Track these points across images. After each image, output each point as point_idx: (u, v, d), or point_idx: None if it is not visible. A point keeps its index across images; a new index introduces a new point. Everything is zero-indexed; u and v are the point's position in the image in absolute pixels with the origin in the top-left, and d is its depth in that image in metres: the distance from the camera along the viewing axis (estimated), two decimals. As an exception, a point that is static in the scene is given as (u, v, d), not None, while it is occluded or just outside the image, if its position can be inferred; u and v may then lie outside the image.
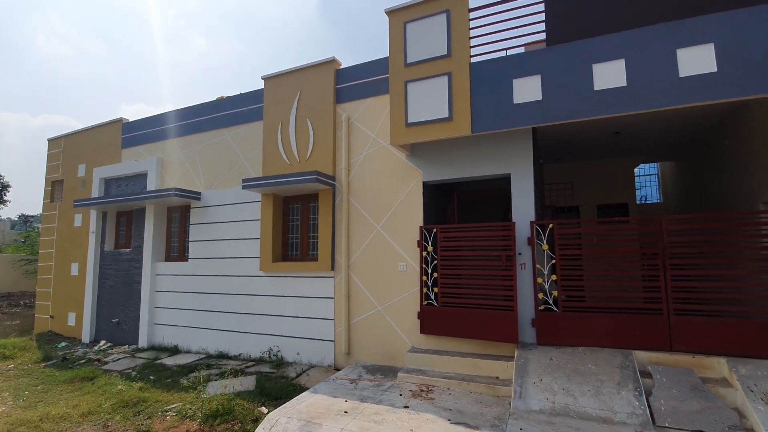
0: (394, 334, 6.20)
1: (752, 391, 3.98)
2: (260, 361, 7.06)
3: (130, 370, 6.89)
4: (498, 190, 6.58)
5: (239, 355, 7.40)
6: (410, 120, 5.62)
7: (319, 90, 7.09)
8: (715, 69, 4.22)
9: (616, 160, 8.94)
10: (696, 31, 4.32)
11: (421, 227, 6.02)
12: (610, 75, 4.63)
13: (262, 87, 7.71)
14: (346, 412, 4.37)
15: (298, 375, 6.23)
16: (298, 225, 7.41)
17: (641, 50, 4.52)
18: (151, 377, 6.42)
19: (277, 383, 5.83)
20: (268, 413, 4.52)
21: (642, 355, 4.75)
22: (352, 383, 5.36)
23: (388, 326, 6.23)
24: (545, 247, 5.31)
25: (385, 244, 6.37)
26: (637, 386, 4.31)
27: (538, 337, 5.23)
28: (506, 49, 5.30)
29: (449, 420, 4.14)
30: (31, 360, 7.62)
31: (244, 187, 7.00)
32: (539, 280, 5.30)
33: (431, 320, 5.82)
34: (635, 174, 9.84)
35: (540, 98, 4.92)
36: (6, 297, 15.44)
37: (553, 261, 5.25)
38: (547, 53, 4.97)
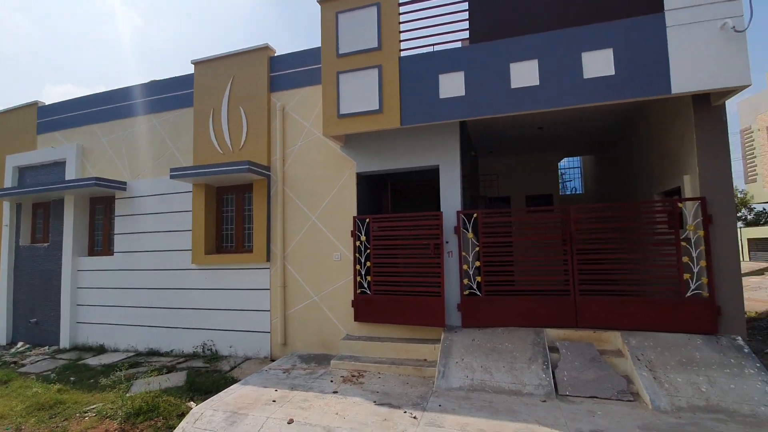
0: (329, 322, 6.30)
1: (639, 359, 4.51)
2: (193, 356, 6.89)
3: (49, 372, 6.46)
4: (430, 181, 6.81)
5: (171, 351, 7.17)
6: (342, 111, 5.67)
7: (253, 77, 6.92)
8: (613, 72, 4.65)
9: (542, 154, 9.55)
10: (598, 36, 4.72)
11: (354, 217, 6.13)
12: (525, 74, 4.94)
13: (193, 72, 7.39)
14: (274, 400, 4.42)
15: (232, 368, 6.17)
16: (233, 216, 7.25)
17: (552, 52, 4.86)
18: (72, 378, 6.07)
19: (209, 377, 5.75)
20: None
21: (552, 332, 5.20)
22: (285, 373, 5.40)
23: (324, 315, 6.32)
24: (470, 235, 5.62)
25: (320, 235, 6.42)
26: (545, 361, 4.73)
27: (463, 320, 5.55)
28: (434, 45, 5.46)
29: (375, 402, 4.33)
30: (-70, 367, 6.90)
31: (172, 177, 6.72)
32: (464, 266, 5.61)
33: (364, 308, 5.98)
34: (558, 168, 10.56)
35: (463, 94, 5.16)
36: None
37: (477, 248, 5.57)
38: (470, 51, 5.21)
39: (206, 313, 6.97)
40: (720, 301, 4.71)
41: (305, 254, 6.49)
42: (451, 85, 5.22)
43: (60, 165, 8.43)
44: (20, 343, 8.16)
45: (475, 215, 5.61)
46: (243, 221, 7.16)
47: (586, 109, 5.67)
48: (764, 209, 21.94)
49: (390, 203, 6.98)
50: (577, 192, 12.20)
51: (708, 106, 4.86)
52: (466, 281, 5.58)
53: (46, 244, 8.45)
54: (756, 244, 18.66)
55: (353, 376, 5.19)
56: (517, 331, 5.28)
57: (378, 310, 5.89)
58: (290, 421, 3.88)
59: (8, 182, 8.76)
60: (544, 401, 4.21)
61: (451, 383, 4.68)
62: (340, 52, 5.74)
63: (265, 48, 6.89)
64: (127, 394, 5.02)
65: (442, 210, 5.80)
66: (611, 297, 5.08)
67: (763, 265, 17.62)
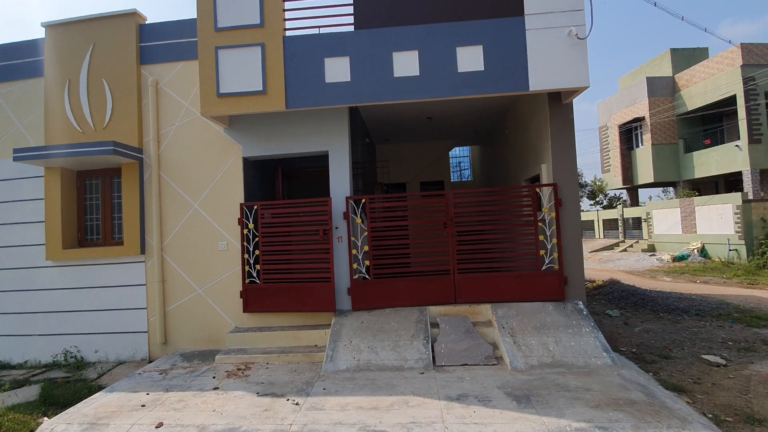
0: (216, 316, 5.97)
1: (503, 327, 5.09)
2: (53, 366, 6.01)
3: None
4: (324, 166, 6.77)
5: (25, 362, 6.16)
6: (222, 90, 5.30)
7: (119, 46, 6.10)
8: (482, 68, 5.05)
9: (435, 142, 10.10)
10: (470, 33, 5.08)
11: (241, 204, 5.83)
12: (406, 64, 5.13)
13: (45, 36, 6.26)
14: (143, 405, 4.06)
15: (101, 375, 5.53)
16: (99, 204, 6.39)
17: (431, 44, 5.11)
18: None
19: (71, 388, 5.06)
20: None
21: (434, 310, 5.59)
22: (161, 374, 4.99)
23: (210, 309, 5.96)
24: (359, 220, 5.73)
25: (204, 223, 6.00)
26: (425, 336, 5.08)
27: (354, 304, 5.68)
28: (319, 27, 5.36)
29: (257, 393, 4.23)
30: None
31: (16, 159, 5.67)
32: (354, 251, 5.72)
33: (254, 298, 5.78)
34: (449, 156, 11.30)
35: (349, 79, 5.18)
36: None
37: (366, 233, 5.71)
38: (355, 37, 5.23)
39: (68, 316, 6.10)
40: (567, 272, 5.50)
41: (187, 245, 6.02)
42: (337, 69, 5.20)
43: None
44: None
45: (363, 200, 5.73)
46: (112, 210, 6.36)
47: (466, 100, 6.12)
48: (615, 195, 26.23)
49: (282, 189, 6.78)
50: (466, 179, 13.21)
51: (560, 104, 5.56)
52: (355, 266, 5.70)
53: None
54: (608, 224, 22.21)
55: (239, 369, 5.01)
56: (404, 310, 5.58)
57: (268, 299, 5.74)
58: (159, 425, 3.61)
59: None
60: (422, 373, 4.53)
61: (339, 366, 4.78)
62: (219, 25, 5.33)
63: (133, 14, 6.11)
64: None
65: (331, 196, 5.81)
66: (484, 274, 5.62)
67: (613, 241, 21.02)
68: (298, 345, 5.50)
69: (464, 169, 14.54)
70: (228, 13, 5.34)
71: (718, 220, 14.63)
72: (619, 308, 8.26)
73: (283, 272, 5.74)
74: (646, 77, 20.49)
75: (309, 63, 5.24)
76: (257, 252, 5.79)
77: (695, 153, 19.16)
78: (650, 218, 18.59)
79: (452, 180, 11.22)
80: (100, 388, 5.04)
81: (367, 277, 5.70)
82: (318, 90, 5.21)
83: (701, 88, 18.37)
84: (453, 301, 5.64)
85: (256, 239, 5.79)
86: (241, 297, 5.82)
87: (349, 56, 5.19)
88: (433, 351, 4.92)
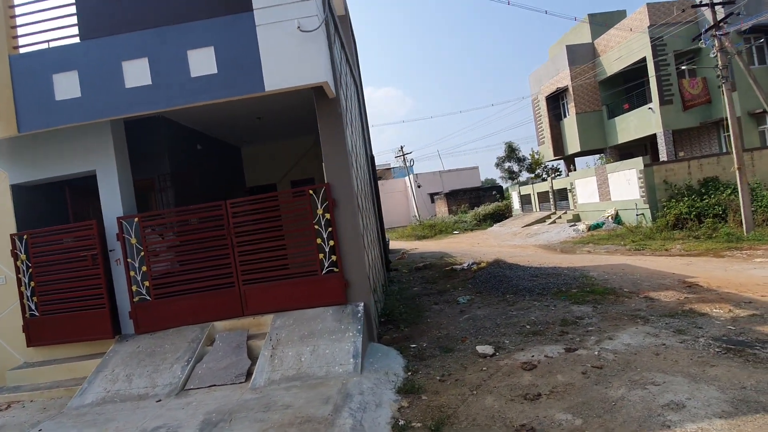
0: (5, 352, 5.70)
1: (271, 339, 4.91)
2: None
3: None
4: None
5: None
6: (-51, 119, 4.92)
7: None
8: (216, 71, 4.75)
9: (297, 140, 9.80)
10: (200, 34, 4.76)
11: (11, 235, 5.51)
12: (137, 73, 4.79)
13: None
14: None
15: None
16: None
17: (161, 50, 4.78)
18: None
19: None
20: None
21: (220, 325, 5.40)
22: None
23: (-4, 346, 5.69)
24: (133, 240, 5.46)
25: (-24, 259, 5.67)
26: (190, 357, 4.89)
27: (136, 327, 5.46)
28: (49, 41, 4.99)
29: (-36, 443, 4.01)
30: None
31: None
32: (132, 273, 5.47)
33: (36, 332, 5.52)
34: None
35: (79, 95, 4.84)
36: None
37: (143, 253, 5.45)
38: (82, 48, 4.87)
39: None
40: (347, 274, 5.33)
41: (-37, 282, 5.70)
42: (66, 85, 4.84)
43: None
44: None
45: (136, 220, 5.46)
46: None
47: (278, 98, 5.60)
48: (553, 166, 26.33)
49: (71, 212, 6.44)
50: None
51: (326, 99, 5.31)
52: (135, 288, 5.46)
53: None
54: (542, 197, 22.30)
55: (-7, 411, 4.78)
56: (185, 329, 5.37)
57: (48, 331, 5.49)
58: None
59: None
60: (159, 401, 4.34)
61: (85, 400, 4.57)
62: (-62, 49, 4.92)
63: None
64: None
65: (104, 217, 5.52)
66: (267, 283, 5.42)
67: (546, 213, 21.13)
68: (72, 377, 5.27)
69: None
70: (-55, 34, 4.92)
71: (626, 185, 14.70)
72: (477, 293, 8.20)
73: (58, 302, 5.48)
74: (566, 45, 20.33)
75: (38, 81, 4.87)
76: (33, 283, 5.50)
77: (617, 118, 19.19)
78: (574, 189, 18.66)
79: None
80: None
81: (149, 298, 5.46)
82: (49, 109, 4.86)
83: (616, 52, 18.27)
84: (241, 314, 5.45)
85: (30, 270, 5.49)
86: (23, 331, 5.55)
87: (78, 70, 4.83)
88: (191, 372, 4.74)
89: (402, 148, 34.84)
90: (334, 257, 5.31)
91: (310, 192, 5.34)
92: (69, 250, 5.47)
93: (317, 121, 5.35)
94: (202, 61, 4.75)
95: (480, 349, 4.96)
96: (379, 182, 39.00)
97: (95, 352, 5.54)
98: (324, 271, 5.33)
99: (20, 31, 5.03)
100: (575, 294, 7.01)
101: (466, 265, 11.08)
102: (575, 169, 23.04)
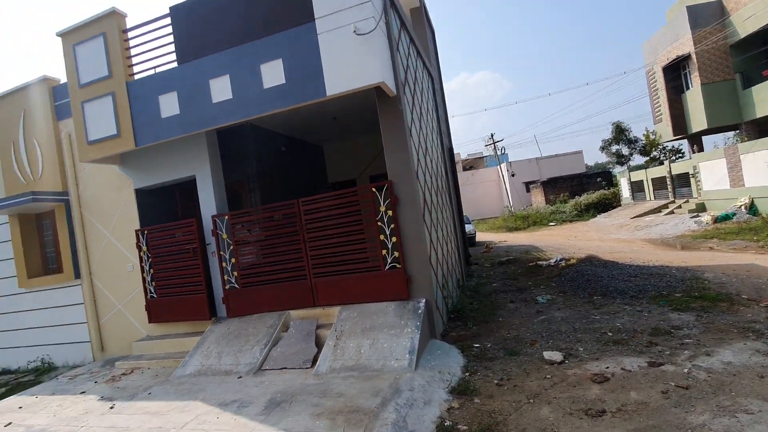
0: (132, 326, 6.99)
1: (336, 330, 5.22)
2: (34, 371, 7.58)
3: None
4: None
5: (20, 367, 7.85)
6: (90, 138, 6.13)
7: (40, 108, 7.31)
8: (284, 81, 5.13)
9: (373, 135, 10.02)
10: (270, 48, 5.17)
11: (136, 231, 6.70)
12: (221, 89, 5.41)
13: (-7, 108, 7.74)
14: (20, 407, 5.12)
15: (51, 379, 6.88)
16: (53, 240, 7.79)
17: (239, 66, 5.32)
18: None
19: (13, 391, 6.42)
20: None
21: (294, 313, 5.89)
22: (69, 380, 6.11)
23: (128, 321, 7.00)
24: (225, 235, 6.22)
25: (115, 249, 7.01)
26: (267, 341, 5.44)
27: (228, 311, 6.23)
28: (156, 67, 5.88)
29: (101, 397, 5.04)
30: None
31: (-24, 213, 7.22)
32: (223, 264, 6.24)
33: (154, 311, 6.65)
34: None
35: (178, 112, 5.64)
36: None
37: (232, 246, 6.19)
38: (178, 71, 5.65)
39: (38, 331, 7.63)
40: (410, 270, 5.38)
41: (106, 268, 7.10)
42: (169, 104, 5.68)
43: None
44: None
45: (226, 217, 6.20)
46: (59, 244, 7.70)
47: (343, 99, 5.89)
48: (674, 147, 22.55)
49: (180, 211, 7.52)
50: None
51: (387, 98, 5.38)
52: (225, 277, 6.22)
53: None
54: (658, 183, 19.43)
55: (123, 374, 5.91)
56: (266, 315, 5.97)
57: (162, 311, 6.57)
58: (8, 424, 4.59)
59: None
60: (240, 378, 4.93)
61: (186, 371, 5.40)
62: (82, 82, 6.15)
63: (45, 80, 7.25)
64: None
65: (203, 215, 6.38)
66: (335, 276, 5.74)
67: (662, 202, 18.47)
68: (181, 351, 6.23)
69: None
70: (86, 70, 6.12)
71: (765, 169, 12.10)
72: (560, 292, 7.61)
73: (171, 287, 6.51)
74: (687, 6, 17.33)
75: (148, 102, 5.80)
76: (152, 270, 6.63)
77: (755, 88, 15.81)
78: (697, 173, 15.93)
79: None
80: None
81: (237, 286, 6.19)
82: (157, 125, 5.77)
83: (752, 9, 15.02)
84: (312, 304, 5.88)
85: (150, 259, 6.62)
86: (145, 310, 6.73)
87: (176, 90, 5.63)
88: (268, 355, 5.27)
89: (492, 136, 33.34)
90: (396, 253, 5.40)
91: (373, 190, 5.49)
92: (176, 243, 6.45)
93: (379, 119, 5.45)
94: (272, 73, 5.17)
95: (547, 354, 4.63)
96: (470, 172, 38.13)
97: (197, 330, 6.49)
98: (387, 267, 5.45)
99: (132, 60, 6.00)
100: (678, 299, 6.09)
101: (553, 260, 10.30)
102: (701, 150, 19.66)
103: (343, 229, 5.77)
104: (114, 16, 5.94)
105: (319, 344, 5.25)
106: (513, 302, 7.44)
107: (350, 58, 4.83)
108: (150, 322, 6.68)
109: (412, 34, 7.21)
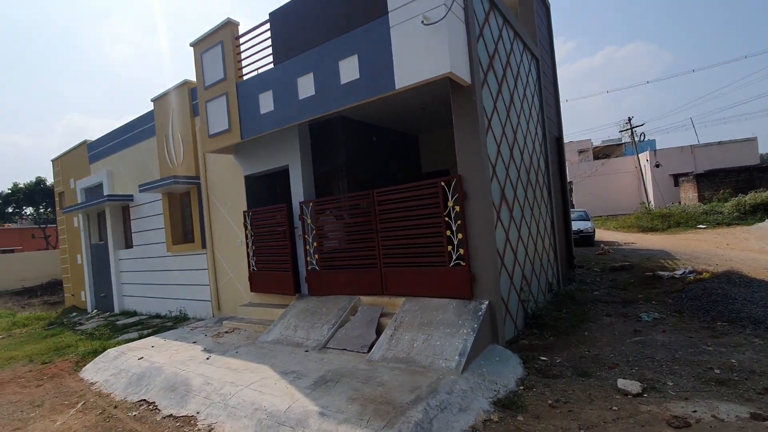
0: (239, 292, 8.17)
1: (395, 321, 5.34)
2: (173, 318, 9.49)
3: (92, 329, 9.70)
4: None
5: (167, 314, 9.91)
6: (210, 132, 7.26)
7: (181, 107, 8.90)
8: (358, 76, 5.31)
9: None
10: (347, 45, 5.39)
11: (243, 212, 7.76)
12: (306, 86, 5.86)
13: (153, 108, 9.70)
14: (153, 346, 6.50)
15: (180, 327, 8.52)
16: (189, 215, 9.51)
17: (322, 64, 5.67)
18: (98, 333, 9.12)
19: (157, 330, 8.14)
20: (116, 350, 6.79)
21: (365, 299, 6.19)
22: (190, 330, 7.48)
23: (236, 287, 8.21)
24: (309, 221, 6.80)
25: (229, 226, 8.24)
26: (335, 321, 5.85)
27: (309, 290, 6.85)
28: (258, 69, 6.62)
29: (203, 349, 6.08)
30: (40, 326, 10.87)
31: (140, 191, 9.21)
32: (307, 247, 6.84)
33: (254, 281, 7.67)
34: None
35: (273, 108, 6.30)
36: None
37: (314, 231, 6.74)
38: (273, 72, 6.27)
39: (179, 287, 9.48)
40: (475, 269, 5.16)
41: (223, 242, 8.41)
42: (266, 102, 6.38)
43: (101, 186, 11.77)
44: (94, 311, 11.97)
45: (311, 204, 6.75)
46: (192, 219, 9.37)
47: (431, 89, 5.90)
48: None
49: (279, 196, 8.35)
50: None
51: (460, 88, 5.16)
52: (308, 259, 6.83)
53: (102, 242, 12.01)
54: None
55: (226, 332, 7.00)
56: (340, 298, 6.40)
57: (260, 283, 7.53)
58: (140, 358, 5.88)
59: (79, 200, 12.51)
60: (306, 351, 5.43)
61: (269, 338, 6.15)
62: (206, 84, 7.28)
63: (185, 83, 8.77)
64: (108, 341, 7.66)
65: (293, 201, 7.07)
66: (403, 267, 5.83)
67: None
68: (269, 319, 7.09)
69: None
70: (209, 74, 7.22)
71: None
72: (674, 312, 6.43)
73: (266, 263, 7.41)
74: None
75: (251, 100, 6.60)
76: (254, 246, 7.63)
77: None
78: None
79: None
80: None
81: (317, 268, 6.74)
82: (257, 121, 6.54)
83: None
84: (380, 293, 6.08)
85: (252, 237, 7.63)
86: (249, 280, 7.81)
87: (272, 89, 6.28)
88: (333, 335, 5.67)
89: (630, 120, 28.85)
90: (461, 250, 5.23)
91: (442, 184, 5.37)
92: (271, 225, 7.28)
93: (451, 111, 5.27)
94: (349, 68, 5.40)
95: (622, 383, 4.01)
96: (600, 161, 33.74)
97: (284, 303, 7.28)
98: (451, 264, 5.32)
99: (242, 63, 6.85)
100: (842, 340, 4.62)
101: (679, 272, 8.65)
102: None
103: (412, 221, 5.78)
104: (229, 25, 6.86)
105: (379, 331, 5.44)
106: (609, 316, 6.55)
107: (418, 50, 4.75)
108: (251, 291, 7.73)
109: (506, 14, 6.70)
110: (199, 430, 3.95)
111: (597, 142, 43.68)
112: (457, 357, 4.40)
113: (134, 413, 4.51)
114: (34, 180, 29.26)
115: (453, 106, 5.25)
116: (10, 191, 29.42)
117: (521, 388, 4.18)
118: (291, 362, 5.05)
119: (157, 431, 4.06)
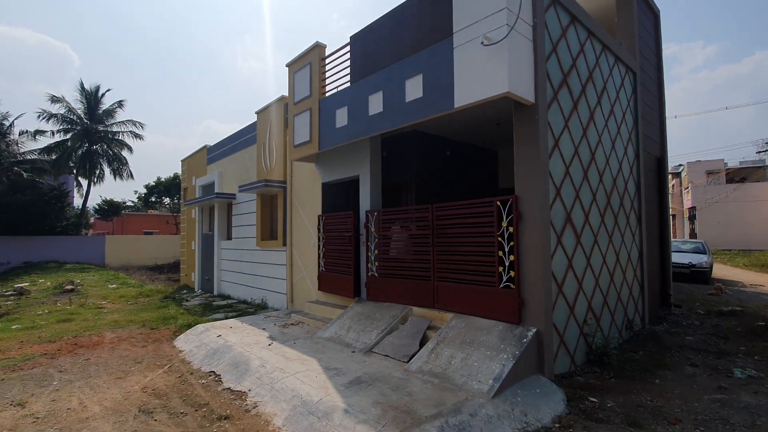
0: (309, 289, 8.87)
1: (440, 335, 5.39)
2: (256, 305, 10.63)
3: (193, 306, 11.34)
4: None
5: (252, 301, 11.14)
6: (295, 142, 8.09)
7: (278, 119, 10.01)
8: (422, 94, 5.52)
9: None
10: (413, 65, 5.64)
11: (318, 215, 8.45)
12: (376, 103, 6.25)
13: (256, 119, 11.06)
14: (231, 327, 7.43)
15: (258, 314, 9.52)
16: (276, 215, 10.61)
17: (390, 83, 6.01)
18: (196, 309, 10.66)
19: (247, 314, 9.22)
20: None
21: (417, 310, 6.32)
22: (264, 318, 8.35)
23: (307, 285, 8.93)
24: (373, 229, 7.16)
25: (305, 228, 9.02)
26: (385, 328, 6.09)
27: (367, 295, 7.19)
28: (338, 87, 7.21)
29: (268, 336, 6.77)
30: (158, 298, 13.00)
31: (240, 191, 10.56)
32: (368, 253, 7.20)
33: (321, 281, 8.28)
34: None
35: (346, 123, 6.82)
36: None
37: (377, 239, 7.08)
38: (349, 90, 6.79)
39: (262, 279, 10.61)
40: (524, 293, 4.98)
41: (299, 241, 9.22)
42: (342, 117, 6.93)
43: (213, 184, 13.70)
44: (199, 290, 13.90)
45: (376, 213, 7.11)
46: (278, 219, 10.42)
47: (501, 104, 5.91)
48: None
49: (351, 204, 8.84)
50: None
51: (523, 107, 5.06)
52: (369, 265, 7.18)
53: (210, 232, 13.93)
54: None
55: (292, 324, 7.68)
56: (393, 306, 6.62)
57: (326, 283, 8.11)
58: (218, 336, 6.80)
59: (197, 195, 14.69)
60: (353, 352, 5.74)
61: (324, 334, 6.62)
62: (295, 100, 8.15)
63: (282, 98, 9.86)
64: (201, 318, 8.97)
65: (360, 209, 7.51)
66: (454, 284, 5.84)
67: None
68: (329, 317, 7.58)
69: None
70: (299, 91, 8.07)
71: None
72: (782, 372, 5.35)
73: (332, 265, 7.95)
74: None
75: (329, 115, 7.22)
76: (324, 249, 8.25)
77: None
78: None
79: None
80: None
81: (376, 275, 7.05)
82: (332, 134, 7.13)
83: None
84: (431, 305, 6.16)
85: (323, 240, 8.26)
86: (317, 279, 8.45)
87: (347, 106, 6.81)
88: (380, 340, 5.90)
89: (777, 140, 24.03)
90: (512, 273, 5.08)
91: (498, 203, 5.29)
92: (339, 230, 7.81)
93: (514, 128, 5.19)
94: (414, 87, 5.64)
95: (673, 441, 3.55)
96: (734, 186, 28.72)
97: (344, 304, 7.73)
98: (501, 285, 5.20)
99: (325, 81, 7.53)
100: None
101: (808, 328, 7.10)
102: None
103: (466, 238, 5.78)
104: (317, 48, 7.62)
105: (423, 343, 5.54)
106: (695, 366, 5.71)
107: (477, 70, 4.79)
108: (319, 289, 8.35)
109: (592, 27, 6.35)
110: (247, 404, 4.50)
111: (734, 163, 37.28)
112: (491, 381, 4.31)
113: (203, 381, 5.28)
114: (172, 175, 34.85)
115: (515, 124, 5.16)
116: (154, 184, 35.49)
117: (556, 425, 3.94)
118: (336, 360, 5.41)
119: (216, 400, 4.71)
